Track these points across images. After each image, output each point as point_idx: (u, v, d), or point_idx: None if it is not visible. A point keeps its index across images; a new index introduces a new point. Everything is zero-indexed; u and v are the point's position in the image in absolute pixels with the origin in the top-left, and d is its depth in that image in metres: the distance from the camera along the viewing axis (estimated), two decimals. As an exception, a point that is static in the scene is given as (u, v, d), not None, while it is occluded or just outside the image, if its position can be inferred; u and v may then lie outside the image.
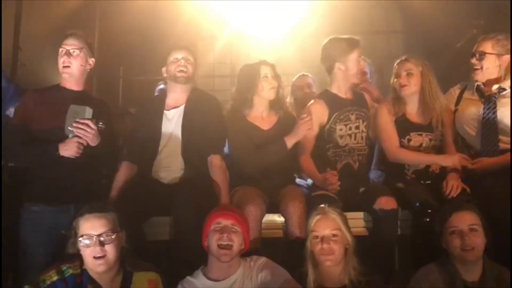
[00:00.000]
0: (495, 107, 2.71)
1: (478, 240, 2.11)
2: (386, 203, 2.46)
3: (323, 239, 2.11)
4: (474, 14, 5.65)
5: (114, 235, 1.94)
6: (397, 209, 2.49)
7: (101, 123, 2.40)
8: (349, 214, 2.56)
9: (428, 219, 2.39)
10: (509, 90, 2.74)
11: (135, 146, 2.69)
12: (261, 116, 2.81)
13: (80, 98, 2.52)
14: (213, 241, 2.11)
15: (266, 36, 6.61)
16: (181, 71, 2.65)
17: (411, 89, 2.77)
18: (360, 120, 2.82)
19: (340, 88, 2.83)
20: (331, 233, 2.12)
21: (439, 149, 2.80)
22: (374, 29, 6.85)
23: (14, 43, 4.13)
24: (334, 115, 2.78)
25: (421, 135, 2.77)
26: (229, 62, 6.93)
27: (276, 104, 2.83)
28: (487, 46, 2.74)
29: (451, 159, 2.65)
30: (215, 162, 2.64)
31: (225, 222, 2.13)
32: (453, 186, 2.53)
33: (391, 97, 2.86)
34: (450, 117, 2.83)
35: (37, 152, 2.41)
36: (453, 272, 2.12)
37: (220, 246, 2.09)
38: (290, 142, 2.66)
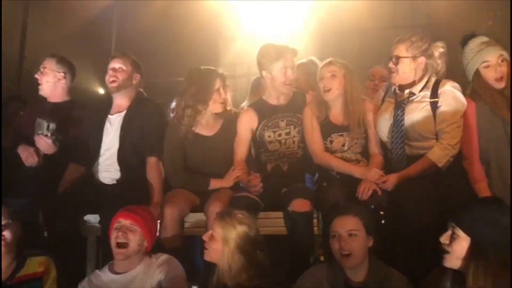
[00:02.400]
0: (403, 113, 2.65)
1: (356, 245, 2.11)
2: (299, 205, 2.49)
3: None
4: (491, 6, 5.44)
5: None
6: (311, 211, 2.51)
7: (54, 137, 2.71)
8: (271, 214, 2.67)
9: None
10: (418, 95, 2.67)
11: (81, 148, 2.91)
12: (206, 123, 2.86)
13: (52, 110, 2.89)
14: (112, 238, 2.27)
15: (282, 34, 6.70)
16: (112, 81, 2.85)
17: (334, 93, 2.77)
18: (292, 126, 2.85)
19: (271, 95, 2.88)
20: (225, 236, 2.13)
21: (366, 150, 2.80)
22: (398, 23, 6.76)
23: (20, 53, 4.52)
24: (263, 123, 2.85)
25: (342, 135, 2.77)
26: (247, 62, 7.06)
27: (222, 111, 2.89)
28: (401, 50, 2.66)
29: (364, 173, 2.61)
30: (151, 163, 2.81)
31: (124, 221, 2.28)
32: (364, 189, 2.52)
33: (315, 100, 2.87)
34: (374, 120, 2.80)
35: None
36: (338, 272, 2.14)
37: (117, 244, 2.25)
38: (214, 185, 2.75)
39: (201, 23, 6.31)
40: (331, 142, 2.79)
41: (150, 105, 2.92)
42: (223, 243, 2.08)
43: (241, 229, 2.10)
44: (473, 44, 2.66)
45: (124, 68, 2.87)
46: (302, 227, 2.48)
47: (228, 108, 2.92)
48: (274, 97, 2.89)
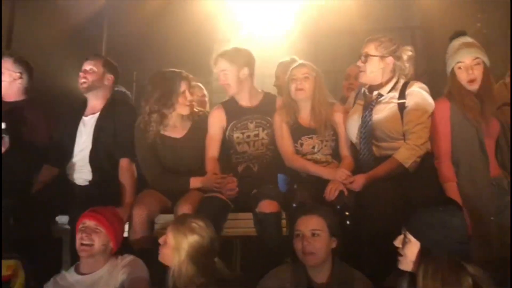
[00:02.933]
0: (371, 114, 2.66)
1: (319, 245, 2.11)
2: (266, 206, 2.50)
3: None
4: (480, 8, 5.45)
5: None
6: (278, 212, 2.51)
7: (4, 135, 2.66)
8: (240, 215, 2.69)
9: None
10: (386, 96, 2.68)
11: (54, 149, 2.93)
12: (174, 126, 2.85)
13: (5, 109, 2.87)
14: (77, 240, 2.28)
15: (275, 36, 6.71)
16: (82, 82, 2.88)
17: (306, 94, 2.79)
18: (260, 128, 2.86)
19: (242, 96, 2.89)
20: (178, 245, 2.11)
21: (337, 151, 2.81)
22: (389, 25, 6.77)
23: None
24: (232, 123, 2.87)
25: (311, 138, 2.79)
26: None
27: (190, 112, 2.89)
28: (371, 48, 2.67)
29: (332, 174, 2.62)
30: (123, 165, 2.83)
31: (89, 223, 2.29)
32: (331, 190, 2.53)
33: (284, 103, 2.88)
34: (344, 122, 2.81)
35: None
36: (301, 273, 2.15)
37: (81, 245, 2.26)
38: (194, 184, 2.75)
39: (195, 25, 6.34)
40: (302, 145, 2.81)
41: (124, 107, 2.94)
42: (174, 251, 2.08)
43: (192, 239, 2.08)
44: (455, 43, 2.65)
45: (95, 69, 2.90)
46: (270, 228, 2.49)
47: (196, 109, 2.92)
48: (246, 98, 2.90)
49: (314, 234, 2.13)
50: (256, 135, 2.86)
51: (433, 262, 1.72)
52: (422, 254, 1.77)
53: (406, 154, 2.53)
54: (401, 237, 1.85)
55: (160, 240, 2.16)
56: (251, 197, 2.63)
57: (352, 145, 2.79)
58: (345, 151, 2.80)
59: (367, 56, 2.65)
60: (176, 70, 2.84)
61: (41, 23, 5.26)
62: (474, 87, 2.58)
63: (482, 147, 2.52)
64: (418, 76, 3.03)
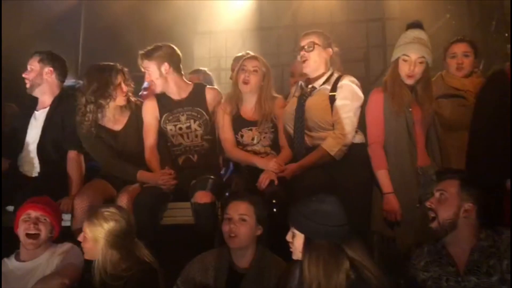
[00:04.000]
0: (304, 105, 2.75)
1: (243, 229, 2.22)
2: (200, 197, 2.60)
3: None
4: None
5: None
6: (211, 202, 2.60)
7: None
8: (179, 204, 2.78)
9: None
10: (319, 89, 2.78)
11: (6, 142, 3.03)
12: (112, 117, 2.93)
13: None
14: (21, 230, 2.38)
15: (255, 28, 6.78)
16: (26, 79, 2.98)
17: (252, 87, 2.87)
18: (192, 120, 2.93)
19: (170, 90, 2.96)
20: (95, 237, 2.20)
21: (277, 142, 2.90)
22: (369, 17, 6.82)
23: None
24: (164, 116, 2.95)
25: (251, 130, 2.88)
26: (224, 56, 7.12)
27: (127, 104, 2.97)
28: (314, 38, 2.78)
29: (266, 164, 2.71)
30: (70, 156, 2.93)
31: (35, 213, 2.37)
32: (263, 179, 2.63)
33: (230, 93, 2.96)
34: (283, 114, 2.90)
35: None
36: (225, 256, 2.26)
37: (27, 235, 2.36)
38: (140, 176, 2.81)
39: (174, 18, 6.40)
40: (242, 136, 2.90)
41: (72, 101, 3.01)
42: (94, 243, 2.17)
43: (108, 226, 2.17)
44: (410, 34, 2.69)
45: (33, 67, 2.99)
46: (203, 217, 2.59)
47: (133, 99, 3.01)
48: (175, 92, 2.97)
49: (241, 219, 2.23)
50: (188, 127, 2.93)
51: (315, 249, 1.84)
52: (306, 243, 1.88)
53: (332, 143, 2.64)
54: (290, 232, 1.96)
55: (79, 238, 2.25)
56: (189, 188, 2.72)
57: (290, 136, 2.88)
58: (283, 142, 2.89)
59: (313, 44, 2.75)
60: (111, 63, 2.95)
61: (18, 19, 5.35)
62: (411, 82, 2.67)
63: (410, 138, 2.60)
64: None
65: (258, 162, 2.78)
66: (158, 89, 2.95)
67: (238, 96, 2.92)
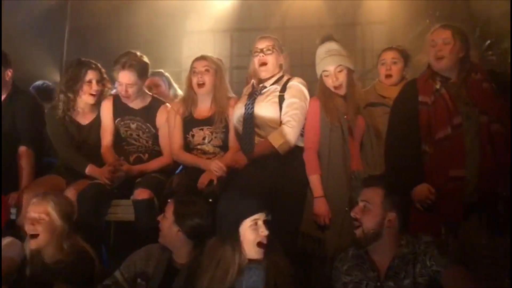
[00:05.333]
0: (253, 103, 2.83)
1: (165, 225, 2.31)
2: (138, 194, 2.69)
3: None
4: (431, 5, 5.52)
5: None
6: (148, 199, 2.69)
7: None
8: (122, 201, 2.86)
9: None
10: (269, 88, 2.86)
11: None
12: (82, 112, 3.04)
13: None
14: None
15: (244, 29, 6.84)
16: None
17: (207, 88, 2.92)
18: (140, 131, 3.02)
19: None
20: (39, 216, 2.38)
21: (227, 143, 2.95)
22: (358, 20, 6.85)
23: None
24: (117, 119, 3.04)
25: (202, 129, 2.93)
26: (213, 55, 7.17)
27: (99, 101, 3.06)
28: (272, 42, 2.89)
29: (207, 165, 2.79)
30: (21, 152, 3.02)
31: None
32: (202, 179, 2.71)
33: (184, 95, 3.03)
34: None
35: None
36: (166, 252, 2.34)
37: None
38: (89, 170, 2.89)
39: (163, 17, 6.48)
40: (193, 136, 2.95)
41: (23, 97, 3.10)
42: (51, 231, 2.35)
43: (50, 210, 2.36)
44: (321, 50, 2.81)
45: None
46: (140, 214, 2.68)
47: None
48: (131, 100, 3.02)
49: (164, 217, 2.33)
50: (138, 135, 3.02)
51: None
52: None
53: (277, 136, 2.73)
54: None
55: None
56: (135, 185, 2.81)
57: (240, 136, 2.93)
58: (232, 142, 2.95)
59: (272, 47, 2.86)
60: (89, 60, 3.04)
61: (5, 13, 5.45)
62: (341, 91, 2.75)
63: (345, 144, 2.66)
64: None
65: (201, 163, 2.85)
66: (130, 97, 3.00)
67: (193, 99, 2.98)
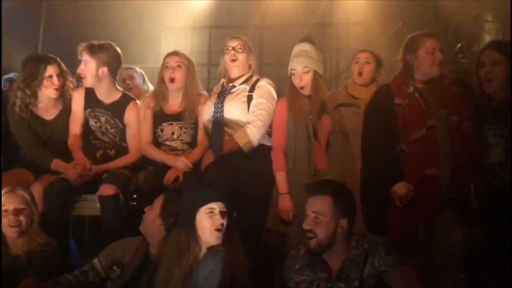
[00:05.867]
0: (223, 101, 2.88)
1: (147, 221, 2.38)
2: (104, 190, 2.72)
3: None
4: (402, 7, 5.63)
5: None
6: (114, 195, 2.71)
7: None
8: (89, 196, 2.88)
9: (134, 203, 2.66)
10: (239, 88, 2.92)
11: None
12: (45, 107, 3.01)
13: None
14: None
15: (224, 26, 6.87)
16: None
17: (179, 84, 2.96)
18: (108, 126, 3.02)
19: (99, 91, 3.03)
20: (20, 207, 2.42)
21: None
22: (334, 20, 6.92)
23: None
24: (88, 110, 3.04)
25: (171, 124, 2.96)
26: (190, 52, 7.19)
27: (61, 95, 3.06)
28: (243, 41, 2.96)
29: (174, 161, 2.83)
30: None
31: None
32: (169, 176, 2.75)
33: (155, 89, 3.06)
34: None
35: None
36: (143, 246, 2.38)
37: None
38: (55, 165, 2.89)
39: (142, 12, 6.46)
40: (162, 130, 2.98)
41: None
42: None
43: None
44: (295, 49, 2.89)
45: None
46: (106, 209, 2.71)
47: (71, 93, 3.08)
48: (103, 93, 3.03)
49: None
50: (106, 129, 3.02)
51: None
52: None
53: (242, 135, 2.78)
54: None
55: None
56: (101, 181, 2.82)
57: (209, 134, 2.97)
58: (200, 139, 2.98)
59: (243, 46, 2.92)
60: (47, 55, 3.03)
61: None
62: (306, 92, 2.82)
63: (310, 143, 2.73)
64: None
65: (167, 159, 2.88)
66: (87, 84, 3.02)
67: (164, 93, 3.01)
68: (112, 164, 2.94)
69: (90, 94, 3.05)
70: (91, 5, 6.12)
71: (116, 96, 3.06)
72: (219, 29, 7.11)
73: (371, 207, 2.69)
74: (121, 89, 3.16)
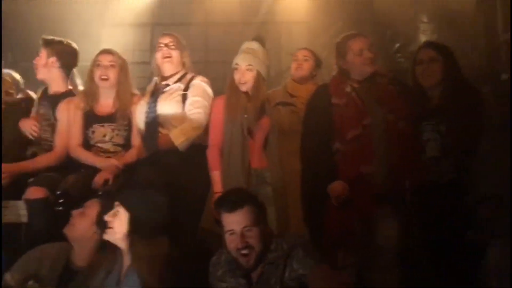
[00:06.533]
0: (157, 101, 2.81)
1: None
2: (31, 193, 2.58)
3: None
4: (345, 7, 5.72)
5: None
6: (42, 198, 2.57)
7: None
8: (10, 202, 2.72)
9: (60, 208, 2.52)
10: (172, 86, 2.86)
11: None
12: None
13: None
14: None
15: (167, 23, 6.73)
16: None
17: (111, 82, 2.87)
18: (44, 121, 2.96)
19: (50, 83, 3.05)
20: None
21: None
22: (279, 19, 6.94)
23: None
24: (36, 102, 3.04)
25: (103, 126, 2.85)
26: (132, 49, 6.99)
27: None
28: (176, 38, 2.94)
29: (103, 164, 2.74)
30: None
31: None
32: (98, 179, 2.65)
33: (85, 89, 2.95)
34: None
35: None
36: (64, 252, 2.25)
37: None
38: None
39: (82, 9, 6.25)
40: (93, 132, 2.86)
41: None
42: None
43: None
44: (243, 46, 2.86)
45: None
46: (34, 214, 2.57)
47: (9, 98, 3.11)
48: (52, 86, 3.01)
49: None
50: (41, 122, 2.95)
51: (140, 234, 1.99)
52: (130, 227, 2.00)
53: (178, 134, 2.71)
54: (113, 211, 2.02)
55: None
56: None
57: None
58: (134, 140, 2.89)
59: (176, 43, 2.87)
60: None
61: None
62: (243, 88, 2.80)
63: (245, 141, 2.70)
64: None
65: (97, 162, 2.78)
66: (38, 75, 3.01)
67: (95, 92, 2.90)
68: (32, 163, 2.80)
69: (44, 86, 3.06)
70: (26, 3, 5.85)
71: (61, 89, 2.99)
72: (162, 26, 6.92)
73: (311, 206, 2.69)
74: (70, 87, 3.07)
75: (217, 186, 2.64)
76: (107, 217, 2.01)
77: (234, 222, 2.00)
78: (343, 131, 2.62)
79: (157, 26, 7.04)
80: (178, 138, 2.70)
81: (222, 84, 3.03)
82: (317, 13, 6.36)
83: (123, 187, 2.51)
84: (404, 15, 5.27)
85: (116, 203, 2.02)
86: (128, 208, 2.00)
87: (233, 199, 2.06)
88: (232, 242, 2.00)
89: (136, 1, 6.74)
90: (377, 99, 2.65)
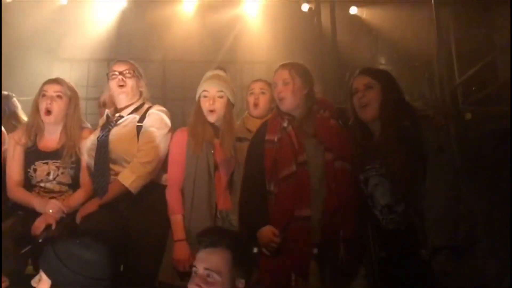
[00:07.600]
0: (108, 135, 2.53)
1: None
2: None
3: None
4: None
5: None
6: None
7: None
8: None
9: None
10: (126, 118, 2.59)
11: None
12: None
13: None
14: None
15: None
16: None
17: (56, 117, 2.60)
18: None
19: None
20: None
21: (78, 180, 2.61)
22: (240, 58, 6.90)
23: None
24: None
25: (46, 163, 2.57)
26: (86, 85, 6.74)
27: None
28: (131, 66, 2.65)
29: (43, 207, 2.46)
30: None
31: None
32: (37, 224, 2.38)
33: (27, 123, 2.68)
34: None
35: None
36: None
37: None
38: None
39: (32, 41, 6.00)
40: (35, 170, 2.57)
41: None
42: None
43: None
44: (208, 73, 2.64)
45: None
46: None
47: None
48: None
49: None
50: None
51: None
52: None
53: (127, 174, 2.42)
54: (38, 275, 1.65)
55: None
56: None
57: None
58: (83, 179, 2.60)
59: (132, 71, 2.60)
60: None
61: None
62: (212, 118, 2.54)
63: (211, 181, 2.45)
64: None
65: (35, 204, 2.48)
66: None
67: (39, 126, 2.62)
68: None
69: None
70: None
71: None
72: (119, 61, 6.77)
73: (248, 255, 2.34)
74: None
75: (178, 232, 2.35)
76: (33, 283, 1.65)
77: (202, 259, 1.75)
78: (275, 169, 2.33)
79: (113, 61, 6.85)
80: (128, 178, 2.39)
81: (182, 122, 2.80)
82: (279, 54, 6.35)
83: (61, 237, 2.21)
84: (363, 56, 5.31)
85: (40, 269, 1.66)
86: (48, 274, 1.62)
87: (214, 234, 1.82)
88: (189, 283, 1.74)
89: (91, 37, 6.55)
90: (315, 134, 2.38)
